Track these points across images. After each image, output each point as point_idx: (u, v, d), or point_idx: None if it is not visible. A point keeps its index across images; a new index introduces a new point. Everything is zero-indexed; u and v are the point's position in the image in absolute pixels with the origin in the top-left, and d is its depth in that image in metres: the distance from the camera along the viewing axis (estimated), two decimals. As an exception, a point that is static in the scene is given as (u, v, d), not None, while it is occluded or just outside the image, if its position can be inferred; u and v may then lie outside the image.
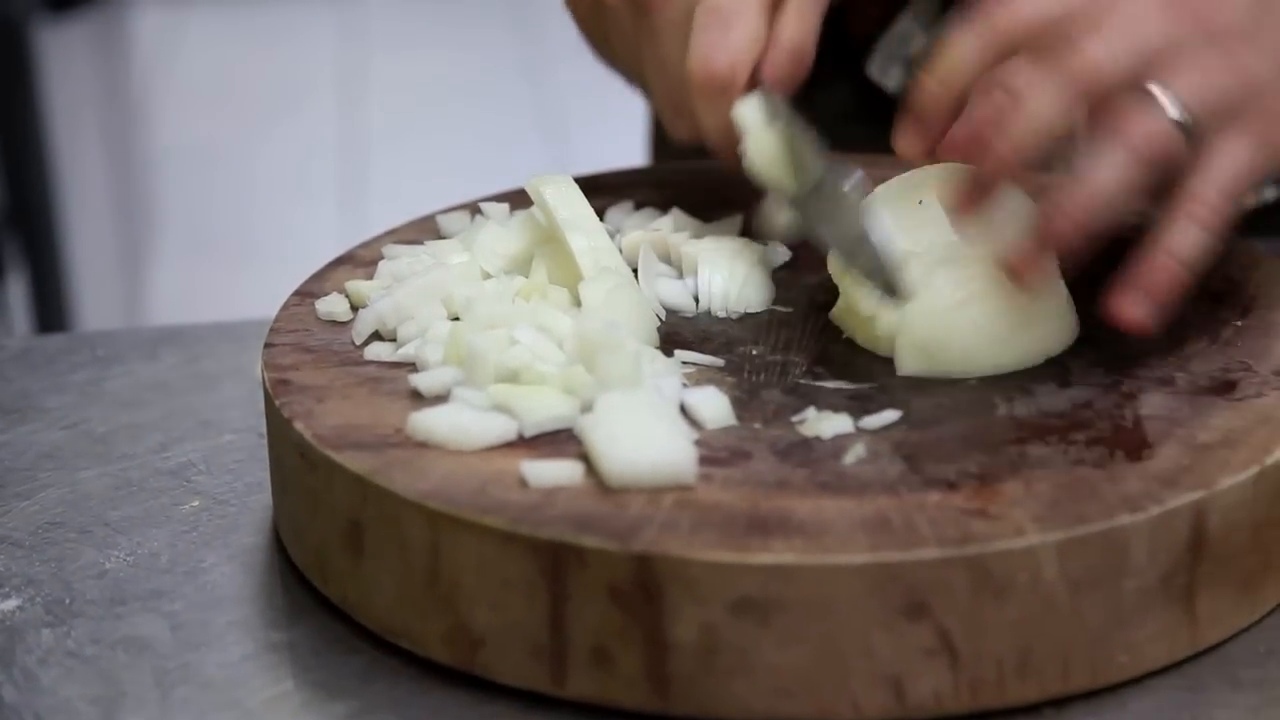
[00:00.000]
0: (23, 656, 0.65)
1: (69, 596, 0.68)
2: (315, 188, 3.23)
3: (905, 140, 0.71)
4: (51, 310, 2.07)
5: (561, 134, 3.37)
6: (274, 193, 3.20)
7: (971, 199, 0.70)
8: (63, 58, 2.24)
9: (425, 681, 0.63)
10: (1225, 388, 0.68)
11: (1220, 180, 0.69)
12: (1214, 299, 0.75)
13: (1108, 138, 0.68)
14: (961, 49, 0.69)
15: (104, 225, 2.53)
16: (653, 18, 0.75)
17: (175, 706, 0.63)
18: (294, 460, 0.68)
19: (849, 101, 0.85)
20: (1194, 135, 0.68)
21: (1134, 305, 0.69)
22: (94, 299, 2.27)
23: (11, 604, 0.68)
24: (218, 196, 3.19)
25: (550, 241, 0.75)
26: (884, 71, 0.78)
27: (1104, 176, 0.67)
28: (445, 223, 0.81)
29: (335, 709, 0.63)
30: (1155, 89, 0.67)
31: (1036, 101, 0.67)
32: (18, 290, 2.06)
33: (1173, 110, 0.67)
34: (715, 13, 0.73)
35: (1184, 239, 0.69)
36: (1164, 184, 0.69)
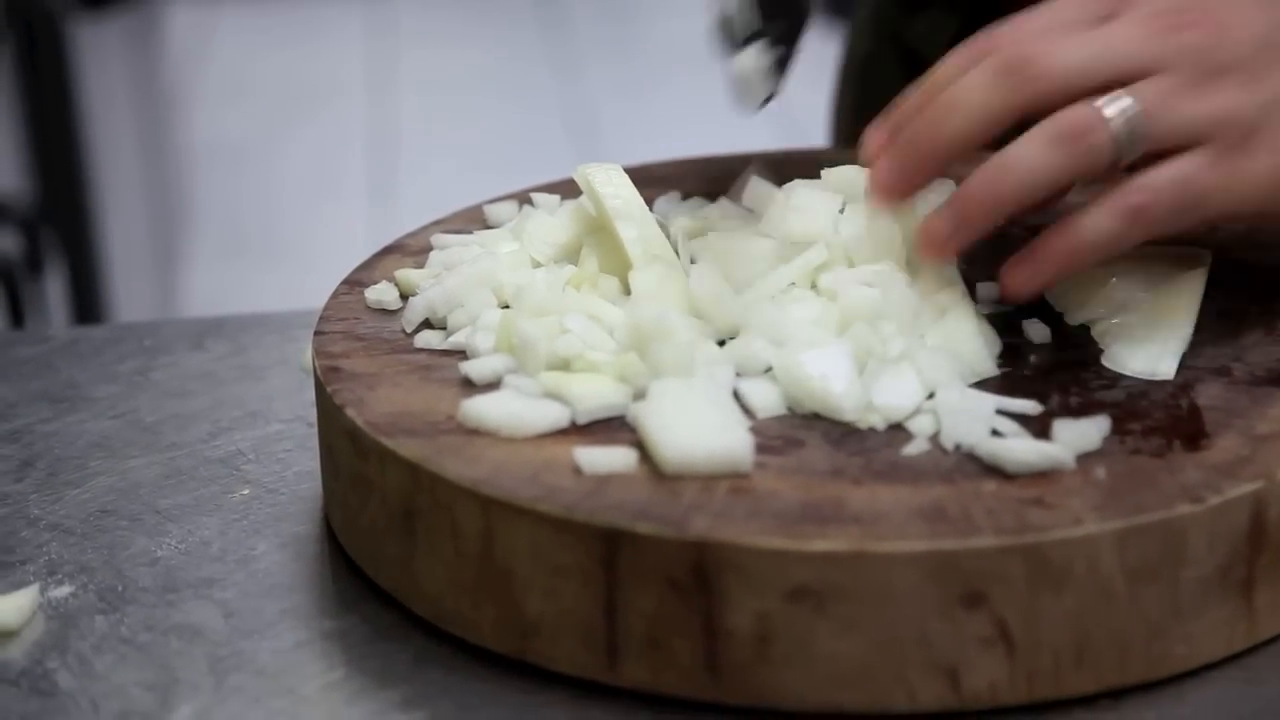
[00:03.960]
0: (77, 643, 0.65)
1: (121, 584, 0.68)
2: (345, 183, 3.24)
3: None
4: (87, 304, 2.08)
5: (589, 129, 3.37)
6: (304, 188, 3.21)
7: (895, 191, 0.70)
8: (98, 55, 2.25)
9: (477, 669, 0.63)
10: (1282, 378, 0.68)
11: (1159, 185, 0.68)
12: (1269, 290, 0.74)
13: (1039, 125, 0.67)
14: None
15: (137, 220, 2.54)
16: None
17: (229, 693, 0.63)
18: (345, 447, 0.68)
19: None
20: (1136, 142, 0.67)
21: (1020, 272, 0.69)
22: (128, 293, 2.28)
23: (65, 590, 0.68)
24: (248, 192, 3.20)
25: (599, 231, 0.75)
26: None
27: (1022, 156, 0.67)
28: (493, 212, 0.81)
29: (388, 696, 0.62)
30: (1105, 97, 0.67)
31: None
32: (55, 285, 2.06)
33: (1112, 109, 0.67)
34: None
35: (1095, 224, 0.68)
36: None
